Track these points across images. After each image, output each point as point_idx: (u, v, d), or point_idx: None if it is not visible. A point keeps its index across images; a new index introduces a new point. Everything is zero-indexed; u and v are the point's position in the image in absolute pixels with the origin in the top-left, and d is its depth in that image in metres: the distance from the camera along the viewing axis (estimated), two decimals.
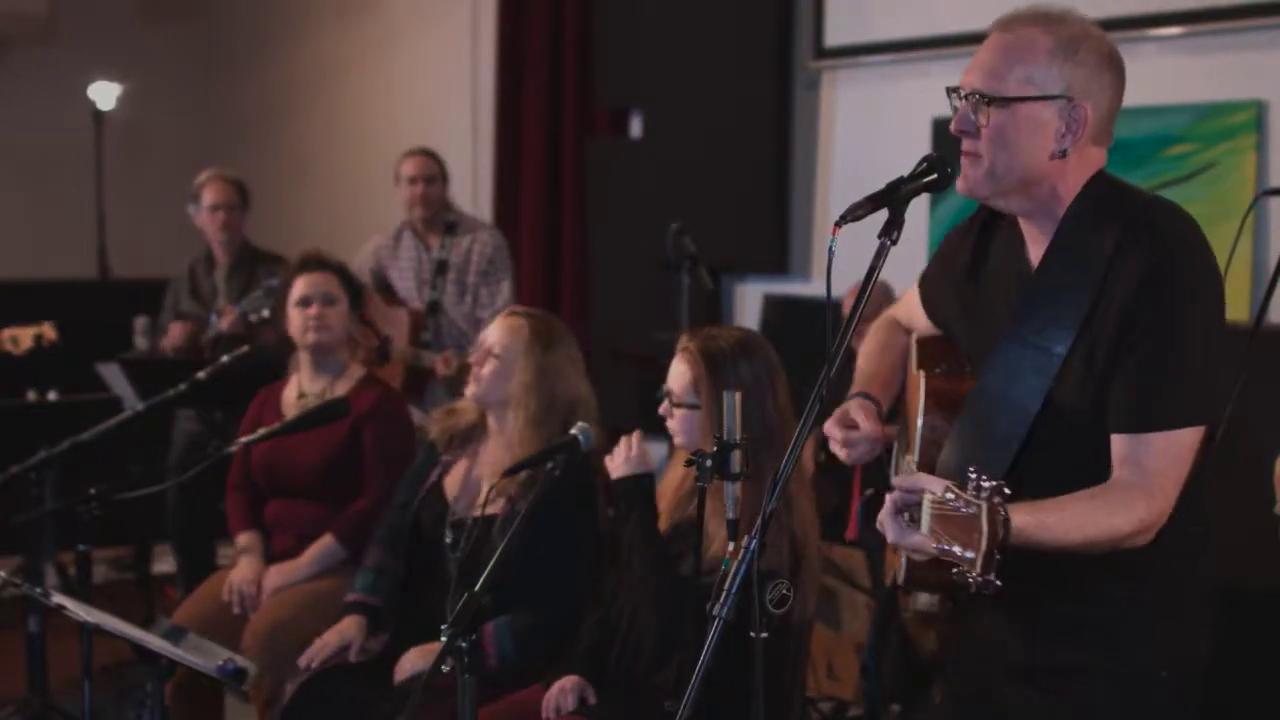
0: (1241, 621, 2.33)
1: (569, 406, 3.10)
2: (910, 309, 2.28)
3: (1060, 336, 1.89)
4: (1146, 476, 1.83)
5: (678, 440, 2.86)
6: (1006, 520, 1.60)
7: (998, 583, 1.59)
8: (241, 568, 3.60)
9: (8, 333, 4.36)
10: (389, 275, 5.09)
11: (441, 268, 5.01)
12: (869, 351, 2.30)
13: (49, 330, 4.34)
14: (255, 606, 3.52)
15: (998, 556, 1.59)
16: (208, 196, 5.06)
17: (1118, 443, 1.86)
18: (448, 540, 3.17)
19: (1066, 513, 1.80)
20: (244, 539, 3.69)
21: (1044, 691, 1.98)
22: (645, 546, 2.78)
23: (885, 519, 1.76)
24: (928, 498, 1.65)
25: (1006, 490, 1.61)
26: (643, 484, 2.84)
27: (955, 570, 1.63)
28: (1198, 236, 1.90)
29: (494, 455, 3.20)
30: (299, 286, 3.73)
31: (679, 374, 2.82)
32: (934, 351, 2.16)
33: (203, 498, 4.24)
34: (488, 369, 3.16)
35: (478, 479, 3.23)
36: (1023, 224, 2.01)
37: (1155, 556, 1.89)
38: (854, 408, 2.14)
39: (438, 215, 5.06)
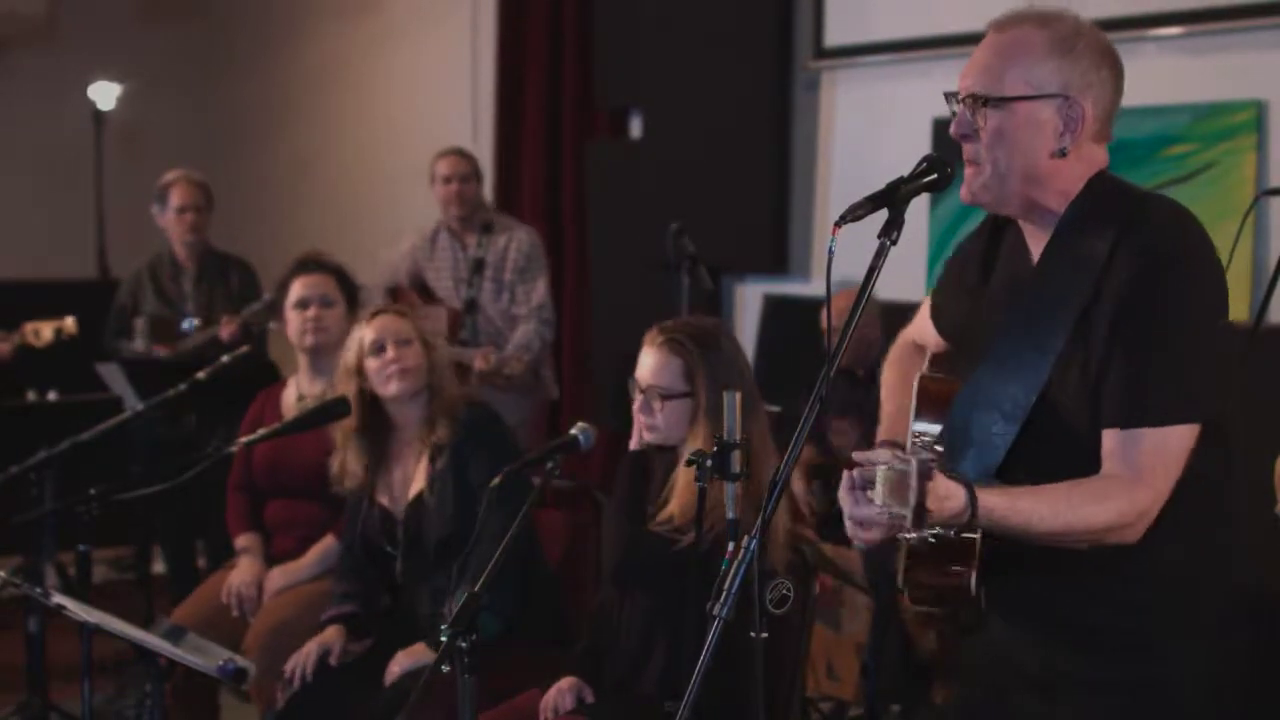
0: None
1: None
2: (922, 325, 2.26)
3: (1055, 335, 1.88)
4: (1132, 471, 1.82)
5: (656, 437, 2.79)
6: (931, 472, 1.65)
7: (931, 539, 1.66)
8: (241, 569, 3.60)
9: (30, 326, 4.45)
10: (425, 275, 5.13)
11: (479, 266, 5.05)
12: (889, 387, 2.27)
13: (70, 324, 4.42)
14: (255, 609, 3.52)
15: (930, 511, 1.64)
16: (175, 198, 5.04)
17: (1107, 438, 1.85)
18: (398, 537, 3.29)
19: (1041, 498, 1.80)
20: (243, 540, 3.70)
21: (1060, 703, 1.96)
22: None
23: (842, 493, 1.78)
24: (880, 467, 1.66)
25: (938, 447, 1.68)
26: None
27: (900, 534, 1.70)
28: (1196, 234, 1.88)
29: (409, 443, 3.31)
30: (297, 288, 3.74)
31: (663, 364, 2.76)
32: (940, 362, 2.15)
33: (204, 497, 4.24)
34: (414, 357, 3.26)
35: (401, 475, 3.33)
36: (1024, 226, 2.00)
37: (1176, 565, 1.88)
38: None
39: (473, 214, 5.10)
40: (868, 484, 1.72)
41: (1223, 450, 1.92)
